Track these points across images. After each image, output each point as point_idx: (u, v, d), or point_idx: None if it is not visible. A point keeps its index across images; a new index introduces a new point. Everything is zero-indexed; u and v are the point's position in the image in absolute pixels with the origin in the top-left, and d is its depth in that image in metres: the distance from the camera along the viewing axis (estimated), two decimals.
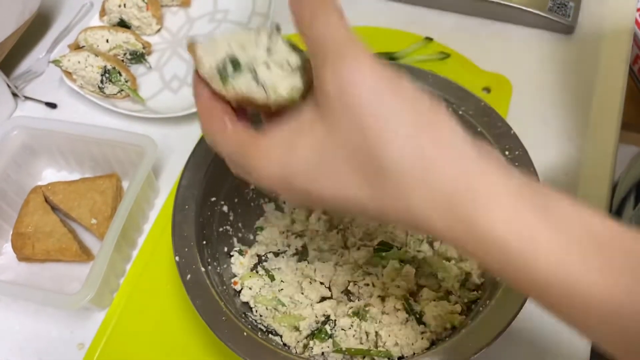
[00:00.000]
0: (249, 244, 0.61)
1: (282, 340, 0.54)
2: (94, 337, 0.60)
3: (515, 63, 0.77)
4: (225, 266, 0.57)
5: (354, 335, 0.54)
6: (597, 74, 0.75)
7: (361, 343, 0.53)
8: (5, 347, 0.61)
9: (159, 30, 0.84)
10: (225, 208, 0.59)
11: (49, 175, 0.73)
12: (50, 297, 0.59)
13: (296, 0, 0.33)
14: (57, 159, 0.72)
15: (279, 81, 0.35)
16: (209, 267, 0.52)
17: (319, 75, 0.31)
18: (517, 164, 0.53)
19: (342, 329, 0.54)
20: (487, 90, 0.74)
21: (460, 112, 0.57)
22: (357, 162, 0.30)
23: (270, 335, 0.54)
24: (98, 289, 0.57)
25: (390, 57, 0.76)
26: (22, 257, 0.66)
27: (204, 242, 0.53)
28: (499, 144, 0.55)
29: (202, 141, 0.57)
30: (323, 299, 0.57)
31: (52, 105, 0.79)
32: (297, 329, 0.55)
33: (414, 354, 0.50)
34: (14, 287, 0.61)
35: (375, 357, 0.51)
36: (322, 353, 0.53)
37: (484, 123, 0.56)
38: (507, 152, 0.54)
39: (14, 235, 0.66)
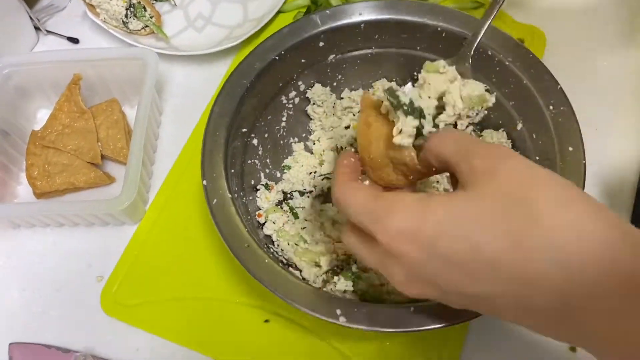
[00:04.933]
0: (276, 180, 0.60)
1: (301, 275, 0.53)
2: (112, 271, 0.60)
3: (549, 15, 0.74)
4: (250, 198, 0.56)
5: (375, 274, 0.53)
6: (635, 28, 0.73)
7: (382, 285, 0.53)
8: (32, 273, 0.61)
9: None
10: (255, 141, 0.58)
11: (44, 115, 0.70)
12: (93, 205, 0.58)
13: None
14: (50, 96, 0.70)
15: None
16: (235, 195, 0.51)
17: (461, 164, 0.34)
18: (560, 119, 0.52)
19: (362, 270, 0.54)
20: (521, 41, 0.72)
21: (507, 63, 0.55)
22: (503, 218, 0.31)
23: (290, 269, 0.53)
24: (134, 199, 0.57)
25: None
26: (41, 193, 0.65)
27: (232, 171, 0.52)
28: (543, 98, 0.53)
29: (236, 70, 0.55)
30: None
31: (74, 40, 0.77)
32: (317, 264, 0.54)
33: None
34: (54, 204, 0.61)
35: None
36: (345, 291, 0.52)
37: (530, 75, 0.54)
38: (551, 107, 0.52)
39: (29, 177, 0.65)
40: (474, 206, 0.32)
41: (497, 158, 0.32)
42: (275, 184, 0.59)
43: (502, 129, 0.59)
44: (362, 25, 0.58)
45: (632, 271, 0.29)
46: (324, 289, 0.51)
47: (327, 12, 0.58)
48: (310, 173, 0.61)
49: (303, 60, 0.59)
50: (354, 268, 0.53)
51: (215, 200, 0.49)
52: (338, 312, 0.43)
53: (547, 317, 0.31)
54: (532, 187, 0.31)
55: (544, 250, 0.29)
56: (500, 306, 0.32)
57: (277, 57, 0.57)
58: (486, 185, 0.32)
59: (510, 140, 0.58)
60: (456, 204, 0.32)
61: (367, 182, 0.41)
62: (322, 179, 0.60)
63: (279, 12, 0.75)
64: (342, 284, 0.51)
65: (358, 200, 0.36)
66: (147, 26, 0.74)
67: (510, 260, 0.30)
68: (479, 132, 0.60)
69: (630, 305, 0.29)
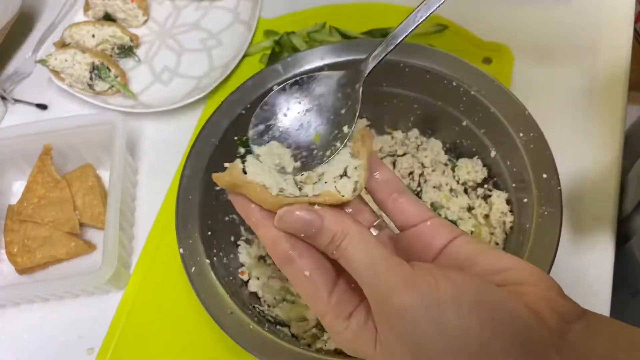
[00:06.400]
0: None
1: (290, 331, 0.53)
2: (103, 342, 0.59)
3: (515, 31, 0.74)
4: (231, 256, 0.56)
5: None
6: (601, 36, 0.73)
7: None
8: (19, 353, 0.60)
9: (145, 22, 0.82)
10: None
11: (19, 188, 0.69)
12: (75, 282, 0.58)
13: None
14: (23, 169, 0.69)
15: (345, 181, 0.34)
16: (215, 259, 0.50)
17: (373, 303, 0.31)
18: (532, 146, 0.51)
19: None
20: (488, 60, 0.72)
21: (472, 92, 0.55)
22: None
23: (278, 327, 0.52)
24: (115, 268, 0.57)
25: (384, 33, 0.74)
26: (23, 269, 0.64)
27: (209, 233, 0.52)
28: (512, 125, 0.52)
29: (203, 130, 0.55)
30: None
31: (42, 107, 0.77)
32: (305, 319, 0.53)
33: None
34: (37, 284, 0.60)
35: None
36: (335, 349, 0.51)
37: (497, 104, 0.54)
38: (521, 134, 0.52)
39: (9, 255, 0.64)
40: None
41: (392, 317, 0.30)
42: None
43: (477, 157, 0.58)
44: (325, 68, 0.58)
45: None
46: (315, 346, 0.51)
47: (289, 59, 0.58)
48: None
49: None
50: None
51: (193, 268, 0.48)
52: None
53: None
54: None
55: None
56: None
57: (243, 111, 0.56)
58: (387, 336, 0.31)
59: (485, 168, 0.58)
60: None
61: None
62: None
63: (244, 55, 0.75)
64: (333, 342, 0.51)
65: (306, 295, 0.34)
66: (113, 86, 0.73)
67: None
68: (454, 161, 0.60)
69: None
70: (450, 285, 0.29)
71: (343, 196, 0.33)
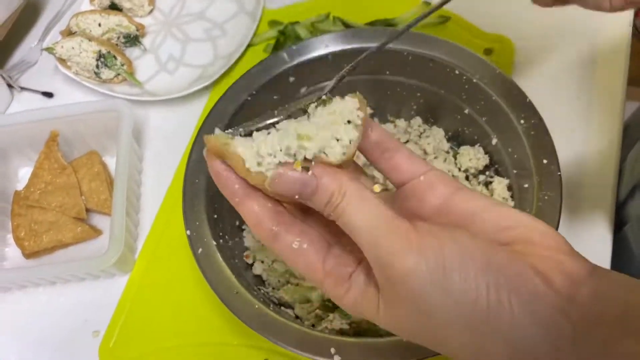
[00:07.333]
0: None
1: (294, 312, 0.54)
2: (108, 325, 0.60)
3: (516, 22, 0.75)
4: (237, 239, 0.57)
5: None
6: (601, 26, 0.74)
7: None
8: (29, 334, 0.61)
9: (151, 11, 0.83)
10: None
11: (26, 174, 0.70)
12: (82, 265, 0.59)
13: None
14: (29, 155, 0.70)
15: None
16: (220, 241, 0.51)
17: (374, 261, 0.30)
18: (532, 132, 0.52)
19: None
20: (489, 51, 0.73)
21: (475, 80, 0.56)
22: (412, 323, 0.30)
23: (282, 308, 0.53)
24: (121, 252, 0.57)
25: (388, 24, 0.75)
26: (30, 253, 0.65)
27: (215, 216, 0.53)
28: (514, 112, 0.53)
29: (210, 116, 0.56)
30: None
31: (48, 95, 0.78)
32: (308, 300, 0.54)
33: None
34: (44, 267, 0.61)
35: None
36: (341, 329, 0.52)
37: (499, 91, 0.55)
38: (522, 121, 0.53)
39: (16, 239, 0.65)
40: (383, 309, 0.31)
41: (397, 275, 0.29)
42: None
43: (478, 144, 0.59)
44: (330, 56, 0.59)
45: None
46: (319, 327, 0.52)
47: (294, 47, 0.59)
48: None
49: (275, 97, 0.59)
50: None
51: (200, 249, 0.49)
52: (332, 350, 0.44)
53: None
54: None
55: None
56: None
57: (249, 97, 0.57)
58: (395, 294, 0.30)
59: (487, 155, 0.59)
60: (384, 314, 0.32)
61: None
62: None
63: (248, 45, 0.76)
64: (338, 322, 0.52)
65: (300, 267, 0.33)
66: (119, 74, 0.74)
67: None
68: (456, 149, 0.61)
69: None
70: (455, 247, 0.28)
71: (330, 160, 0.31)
